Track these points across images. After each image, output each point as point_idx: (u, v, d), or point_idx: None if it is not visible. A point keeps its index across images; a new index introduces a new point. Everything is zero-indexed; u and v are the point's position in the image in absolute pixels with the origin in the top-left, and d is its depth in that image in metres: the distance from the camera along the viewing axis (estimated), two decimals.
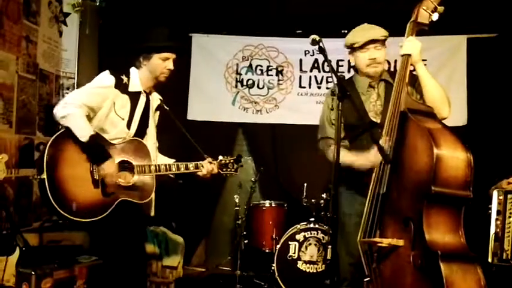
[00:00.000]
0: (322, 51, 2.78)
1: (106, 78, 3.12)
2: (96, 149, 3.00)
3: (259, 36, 5.81)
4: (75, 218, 2.92)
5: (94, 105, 3.05)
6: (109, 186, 3.03)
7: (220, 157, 3.45)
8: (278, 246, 4.61)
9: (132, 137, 3.20)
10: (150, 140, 3.35)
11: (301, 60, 5.70)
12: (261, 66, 5.84)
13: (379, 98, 3.11)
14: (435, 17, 2.86)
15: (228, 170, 3.47)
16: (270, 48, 5.83)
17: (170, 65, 3.21)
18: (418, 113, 2.75)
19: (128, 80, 3.18)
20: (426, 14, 2.86)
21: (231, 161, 3.48)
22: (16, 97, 4.16)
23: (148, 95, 3.30)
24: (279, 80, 5.79)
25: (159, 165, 3.23)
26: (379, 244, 2.67)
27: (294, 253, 4.58)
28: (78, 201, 2.94)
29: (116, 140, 3.12)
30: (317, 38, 2.75)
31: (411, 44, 2.89)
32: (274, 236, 4.80)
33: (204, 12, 5.57)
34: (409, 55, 2.88)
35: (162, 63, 3.19)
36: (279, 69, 5.80)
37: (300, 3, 5.18)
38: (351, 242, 2.91)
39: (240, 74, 5.84)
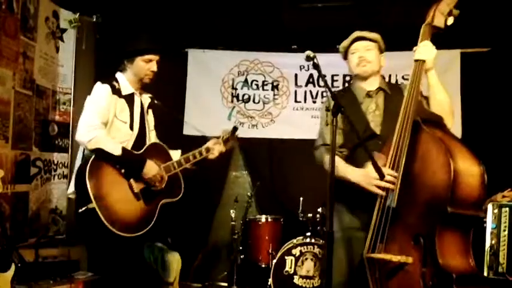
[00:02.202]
0: (316, 67, 2.78)
1: (102, 88, 3.20)
2: (131, 158, 3.17)
3: (255, 51, 5.85)
4: (133, 234, 3.08)
5: (106, 120, 3.17)
6: (155, 187, 3.22)
7: (220, 133, 3.67)
8: (274, 261, 4.61)
9: (136, 136, 3.30)
10: (153, 138, 3.50)
11: (296, 75, 5.73)
12: (257, 81, 5.87)
13: (378, 108, 2.99)
14: (450, 21, 2.74)
15: (229, 142, 3.70)
16: (266, 63, 5.86)
17: (154, 66, 3.32)
18: (430, 123, 2.63)
19: (119, 85, 3.27)
20: (442, 17, 2.74)
21: (229, 134, 3.71)
22: (13, 112, 4.17)
23: (139, 95, 3.40)
24: (274, 95, 5.82)
25: (179, 160, 3.40)
26: (387, 259, 2.54)
27: (291, 268, 4.57)
28: (130, 218, 3.10)
29: (124, 143, 3.22)
30: (311, 54, 2.77)
31: (427, 49, 2.77)
32: (270, 251, 4.79)
33: (200, 27, 5.60)
34: (424, 61, 2.76)
35: (145, 65, 3.30)
36: (275, 84, 5.83)
37: (295, 18, 5.22)
38: (342, 259, 2.85)
39: (236, 89, 5.87)
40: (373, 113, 2.99)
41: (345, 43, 3.10)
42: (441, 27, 2.76)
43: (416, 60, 2.77)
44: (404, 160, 2.57)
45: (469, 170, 2.43)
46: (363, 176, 2.72)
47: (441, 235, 2.43)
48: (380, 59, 3.09)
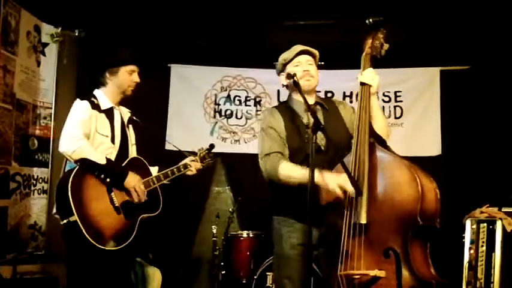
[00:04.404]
0: (296, 84, 2.86)
1: (81, 104, 3.24)
2: (115, 168, 3.22)
3: (238, 67, 5.89)
4: (113, 248, 3.08)
5: (87, 132, 3.20)
6: (134, 201, 3.24)
7: (197, 151, 3.73)
8: (255, 277, 4.59)
9: (118, 149, 3.34)
10: (134, 152, 3.54)
11: (278, 91, 5.76)
12: (239, 96, 5.91)
13: (310, 121, 2.85)
14: (384, 52, 2.91)
15: (206, 160, 3.73)
16: (248, 79, 5.90)
17: (136, 77, 3.40)
18: (381, 143, 2.79)
19: (97, 101, 3.32)
20: (377, 49, 2.90)
21: (206, 151, 3.76)
22: None
23: (118, 109, 3.46)
24: (257, 111, 5.85)
25: (158, 175, 3.43)
26: (362, 274, 2.59)
27: (272, 284, 4.56)
28: (111, 231, 3.11)
29: (108, 156, 3.25)
30: (292, 72, 2.86)
31: (373, 75, 2.87)
32: (251, 267, 4.78)
33: (183, 43, 5.63)
34: (370, 86, 2.86)
35: (128, 76, 3.37)
36: (257, 99, 5.87)
37: (278, 35, 5.26)
38: (295, 278, 2.87)
39: (219, 105, 5.89)
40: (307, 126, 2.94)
41: (287, 55, 3.10)
42: (378, 57, 2.91)
43: (363, 84, 2.87)
44: (367, 179, 2.66)
45: (428, 186, 2.62)
46: (336, 176, 2.70)
47: (412, 247, 2.56)
48: (318, 72, 3.11)
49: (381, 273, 2.57)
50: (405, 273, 2.53)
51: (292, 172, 2.88)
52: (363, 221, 2.63)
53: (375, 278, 2.58)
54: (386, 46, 2.90)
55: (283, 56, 3.13)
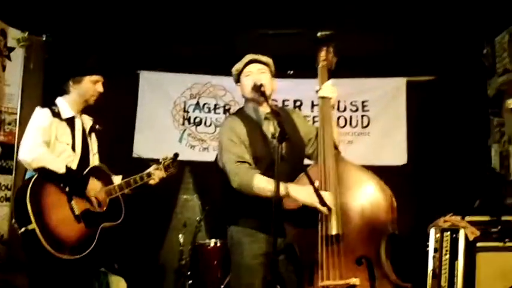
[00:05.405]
0: (263, 94, 2.87)
1: (41, 112, 3.22)
2: (75, 176, 3.17)
3: (207, 75, 5.88)
4: (72, 257, 3.03)
5: (47, 140, 3.16)
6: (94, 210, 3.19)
7: (161, 160, 3.66)
8: (222, 286, 4.57)
9: (79, 158, 3.30)
10: (96, 161, 3.49)
11: None
12: (209, 104, 5.90)
13: (276, 130, 2.85)
14: (334, 66, 3.00)
15: (170, 169, 3.69)
16: (218, 86, 5.89)
17: (100, 87, 3.38)
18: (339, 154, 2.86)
19: (58, 109, 3.30)
20: (329, 62, 2.99)
21: (171, 160, 3.71)
22: None
23: (80, 118, 3.43)
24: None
25: (120, 184, 3.40)
26: (342, 284, 2.61)
27: None
28: (70, 240, 3.07)
29: (68, 164, 3.20)
30: (258, 83, 2.87)
31: (332, 88, 2.95)
32: (219, 276, 4.75)
33: (152, 49, 5.60)
34: (330, 98, 2.94)
35: (92, 86, 3.35)
36: (227, 107, 5.86)
37: (247, 44, 5.28)
38: (257, 286, 2.84)
39: (188, 112, 5.87)
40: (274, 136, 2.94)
41: (238, 66, 3.09)
42: (331, 69, 3.02)
43: (323, 98, 2.94)
44: (336, 190, 2.70)
45: (391, 194, 2.73)
46: (309, 194, 2.65)
47: (384, 253, 2.67)
48: (272, 82, 3.09)
49: (356, 281, 2.60)
50: (379, 279, 2.62)
51: (267, 186, 2.76)
52: (334, 231, 2.64)
53: (351, 286, 2.61)
54: (335, 59, 2.99)
55: (236, 66, 3.11)
